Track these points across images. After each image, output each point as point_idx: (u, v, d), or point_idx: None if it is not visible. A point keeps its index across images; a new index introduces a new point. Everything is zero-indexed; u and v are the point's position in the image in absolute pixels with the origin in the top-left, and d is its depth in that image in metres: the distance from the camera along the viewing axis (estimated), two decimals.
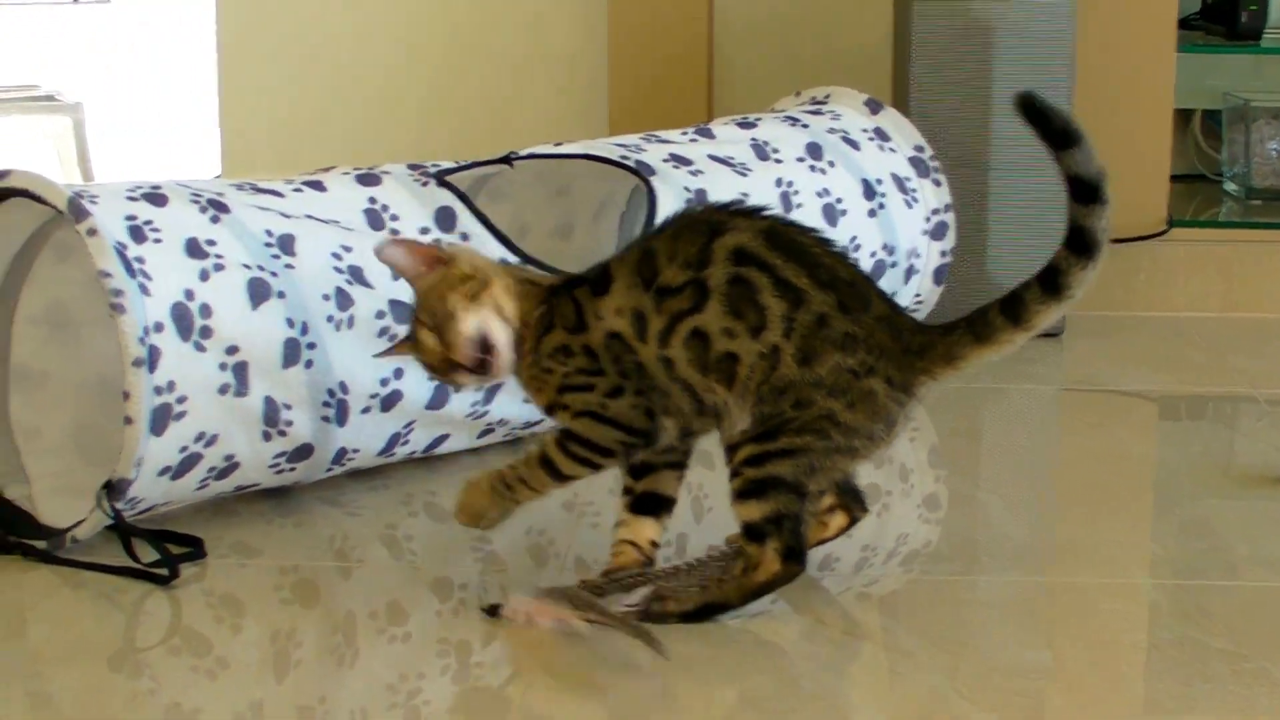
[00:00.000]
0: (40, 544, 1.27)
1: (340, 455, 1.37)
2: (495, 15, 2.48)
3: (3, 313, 1.36)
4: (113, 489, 1.23)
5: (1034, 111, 1.12)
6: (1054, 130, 1.11)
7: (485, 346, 1.16)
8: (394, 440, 1.40)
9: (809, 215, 1.64)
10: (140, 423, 1.22)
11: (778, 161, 1.67)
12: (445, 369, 1.17)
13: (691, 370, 1.14)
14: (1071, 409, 1.76)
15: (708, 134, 1.70)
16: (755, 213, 1.18)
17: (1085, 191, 1.11)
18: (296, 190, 1.39)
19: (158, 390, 1.23)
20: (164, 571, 1.22)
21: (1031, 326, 1.14)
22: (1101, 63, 1.99)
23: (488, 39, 2.49)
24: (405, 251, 1.18)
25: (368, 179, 1.44)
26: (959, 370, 1.15)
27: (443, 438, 1.44)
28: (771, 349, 1.13)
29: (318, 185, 1.41)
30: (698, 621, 1.14)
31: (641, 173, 1.57)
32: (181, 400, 1.24)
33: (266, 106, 2.53)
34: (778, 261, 1.14)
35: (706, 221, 1.17)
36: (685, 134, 1.69)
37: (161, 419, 1.23)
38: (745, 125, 1.73)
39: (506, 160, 1.55)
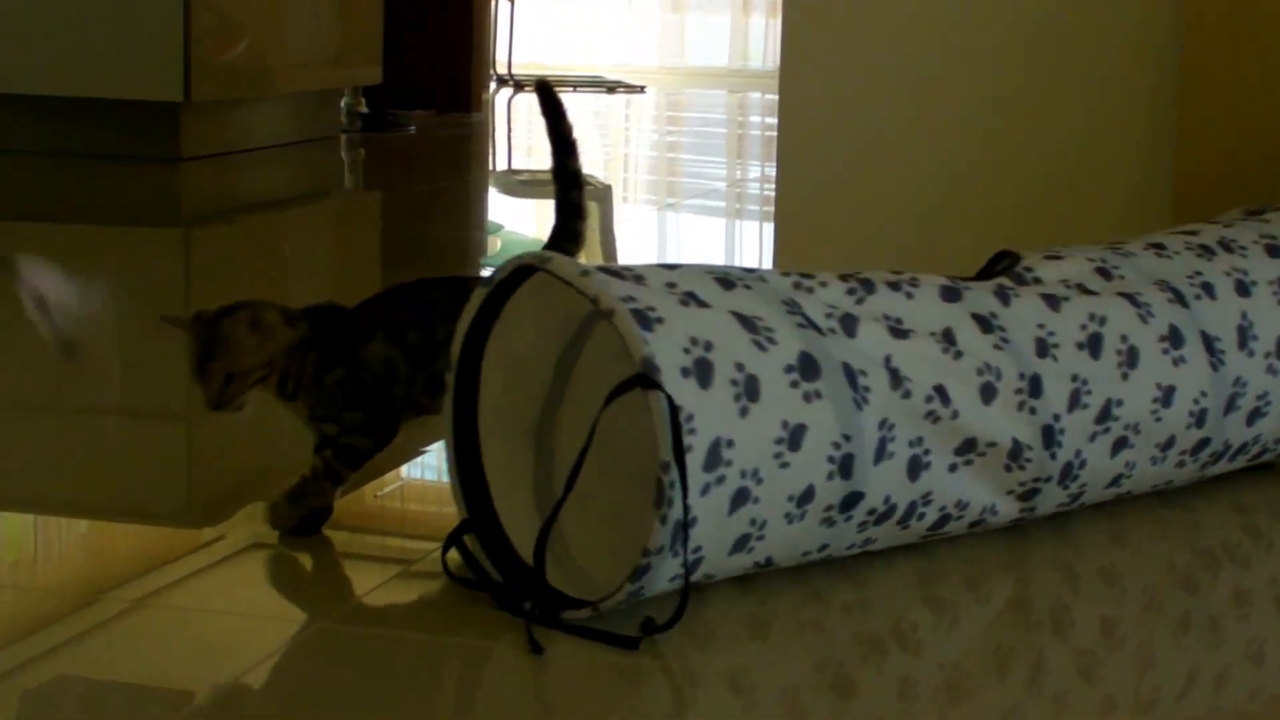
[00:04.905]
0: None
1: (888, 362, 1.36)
2: (1063, 129, 2.44)
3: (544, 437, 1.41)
4: (644, 379, 1.23)
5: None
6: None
7: None
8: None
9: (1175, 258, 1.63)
10: (623, 312, 1.26)
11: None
12: None
13: None
14: None
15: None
16: None
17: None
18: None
19: (624, 299, 1.26)
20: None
21: None
22: None
23: (1051, 158, 2.45)
24: None
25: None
26: None
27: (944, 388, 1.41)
28: None
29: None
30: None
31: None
32: (657, 314, 1.27)
33: (824, 204, 2.54)
34: None
35: None
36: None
37: (644, 321, 1.26)
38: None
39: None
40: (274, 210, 3.84)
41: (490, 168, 5.03)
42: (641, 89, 7.86)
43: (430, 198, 4.17)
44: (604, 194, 4.46)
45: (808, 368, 1.31)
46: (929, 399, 1.37)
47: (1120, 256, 1.59)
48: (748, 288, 1.34)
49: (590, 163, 5.22)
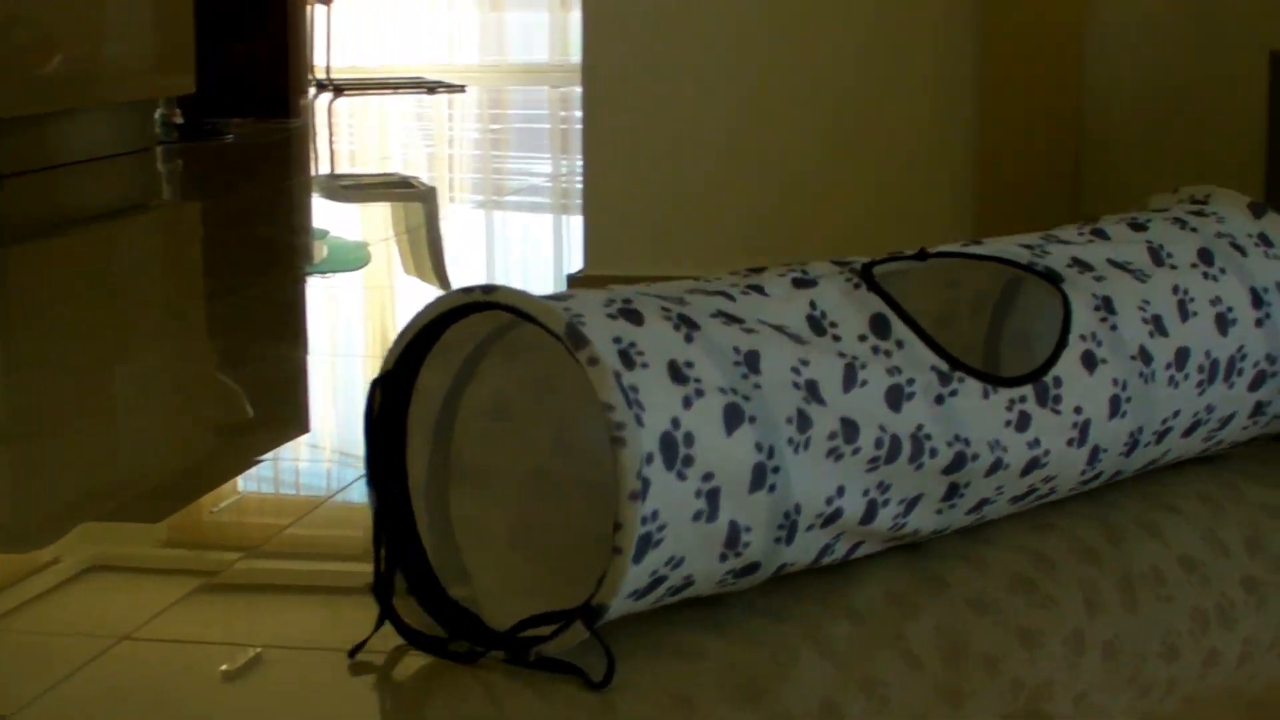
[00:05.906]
0: (499, 655, 1.27)
1: (779, 569, 1.37)
2: (863, 118, 2.48)
3: (447, 413, 1.38)
4: (592, 613, 1.24)
5: None
6: None
7: None
8: (823, 551, 1.40)
9: (1203, 323, 1.62)
10: (628, 554, 1.23)
11: (1172, 267, 1.65)
12: None
13: None
14: None
15: (1102, 234, 1.68)
16: None
17: None
18: (744, 293, 1.40)
19: (643, 520, 1.23)
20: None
21: None
22: None
23: (855, 141, 2.48)
24: None
25: (803, 282, 1.44)
26: None
27: (858, 545, 1.44)
28: None
29: (760, 289, 1.42)
30: None
31: (1054, 280, 1.57)
32: (661, 529, 1.25)
33: (632, 194, 2.56)
34: None
35: None
36: (1081, 233, 1.68)
37: (643, 548, 1.24)
38: (1136, 226, 1.70)
39: (921, 256, 1.55)
40: (92, 225, 3.77)
41: (312, 173, 4.99)
42: (462, 88, 7.84)
43: (252, 205, 4.12)
44: (429, 195, 4.45)
45: (748, 571, 1.34)
46: (849, 553, 1.43)
47: (1139, 387, 1.57)
48: (774, 481, 1.31)
49: (414, 164, 5.20)
